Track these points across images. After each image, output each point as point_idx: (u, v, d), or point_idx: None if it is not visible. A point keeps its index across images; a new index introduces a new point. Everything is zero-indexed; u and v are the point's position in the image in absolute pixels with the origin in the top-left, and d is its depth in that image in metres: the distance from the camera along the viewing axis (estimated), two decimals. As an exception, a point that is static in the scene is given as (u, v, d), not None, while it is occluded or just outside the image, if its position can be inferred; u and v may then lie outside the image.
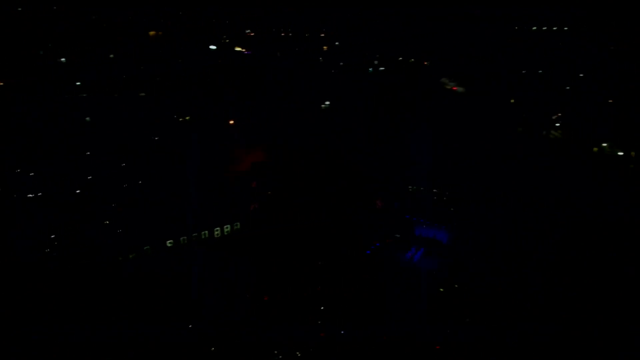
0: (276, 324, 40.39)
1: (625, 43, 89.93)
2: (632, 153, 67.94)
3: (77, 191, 58.44)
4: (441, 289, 45.27)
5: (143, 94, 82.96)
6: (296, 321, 40.99)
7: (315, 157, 70.04)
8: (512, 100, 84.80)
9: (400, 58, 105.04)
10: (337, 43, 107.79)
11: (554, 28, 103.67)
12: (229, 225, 55.92)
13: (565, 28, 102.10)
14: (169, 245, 52.41)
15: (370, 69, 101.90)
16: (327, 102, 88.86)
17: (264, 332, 39.37)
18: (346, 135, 75.71)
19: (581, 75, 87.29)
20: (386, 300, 43.11)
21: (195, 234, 53.87)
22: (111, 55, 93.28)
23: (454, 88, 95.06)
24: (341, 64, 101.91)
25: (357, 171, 65.77)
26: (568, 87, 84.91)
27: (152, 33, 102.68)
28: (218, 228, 55.34)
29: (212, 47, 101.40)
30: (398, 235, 55.05)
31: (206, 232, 54.67)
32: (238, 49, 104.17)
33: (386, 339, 39.04)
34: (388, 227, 55.76)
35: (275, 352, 37.97)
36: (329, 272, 47.92)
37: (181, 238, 53.19)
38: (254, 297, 44.22)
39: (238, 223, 56.30)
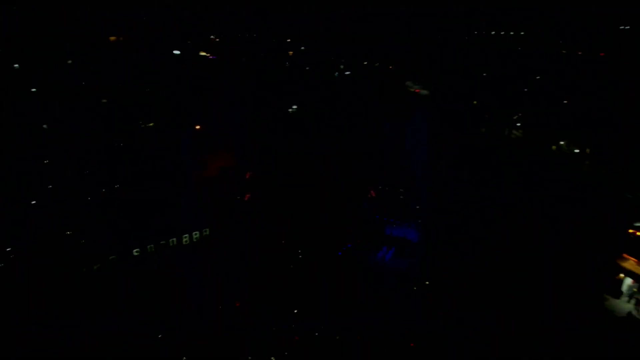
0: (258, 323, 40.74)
1: (581, 45, 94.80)
2: (587, 150, 71.33)
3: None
4: (415, 288, 45.94)
5: (105, 101, 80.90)
6: (276, 321, 41.12)
7: (291, 159, 70.10)
8: (475, 102, 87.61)
9: (366, 62, 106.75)
10: (302, 48, 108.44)
11: (511, 33, 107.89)
12: (197, 232, 55.22)
13: (522, 33, 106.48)
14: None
15: (336, 74, 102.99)
16: (294, 106, 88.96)
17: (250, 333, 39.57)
18: (315, 137, 75.95)
19: (538, 77, 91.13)
20: (359, 300, 43.39)
21: (164, 241, 53.26)
22: (69, 61, 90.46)
23: (417, 90, 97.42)
24: (307, 68, 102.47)
25: (329, 172, 65.98)
26: (526, 89, 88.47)
27: (112, 38, 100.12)
28: (187, 235, 54.67)
29: (176, 52, 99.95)
30: (369, 236, 55.35)
31: (175, 240, 54.03)
32: (203, 53, 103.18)
33: (360, 339, 39.28)
34: (359, 228, 56.02)
35: (253, 356, 37.80)
36: (302, 273, 48.00)
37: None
38: (240, 297, 44.29)
39: (207, 229, 55.66)
